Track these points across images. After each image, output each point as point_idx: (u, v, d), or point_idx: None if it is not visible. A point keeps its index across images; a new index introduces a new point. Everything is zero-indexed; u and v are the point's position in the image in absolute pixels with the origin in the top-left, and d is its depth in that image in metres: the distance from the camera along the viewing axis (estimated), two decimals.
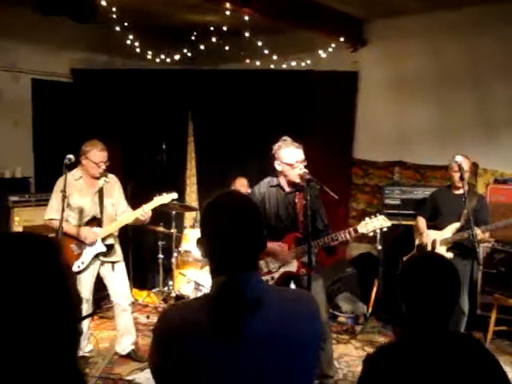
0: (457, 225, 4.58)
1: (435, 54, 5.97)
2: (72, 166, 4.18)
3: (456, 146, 5.30)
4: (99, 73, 6.77)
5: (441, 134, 5.98)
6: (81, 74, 6.75)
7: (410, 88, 6.23)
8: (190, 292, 5.81)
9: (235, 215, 1.49)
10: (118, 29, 5.44)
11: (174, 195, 4.44)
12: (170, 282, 6.17)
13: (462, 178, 4.33)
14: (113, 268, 4.41)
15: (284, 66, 6.62)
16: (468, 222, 4.23)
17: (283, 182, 3.89)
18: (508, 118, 5.58)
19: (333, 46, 6.24)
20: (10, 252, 1.03)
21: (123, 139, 6.68)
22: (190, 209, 6.48)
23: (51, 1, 4.52)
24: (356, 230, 3.69)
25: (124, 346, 4.55)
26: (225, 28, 5.96)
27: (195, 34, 6.44)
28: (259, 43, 5.90)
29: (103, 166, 4.25)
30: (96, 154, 4.20)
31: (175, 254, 6.04)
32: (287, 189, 3.89)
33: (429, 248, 4.71)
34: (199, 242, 1.54)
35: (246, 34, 5.60)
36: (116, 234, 4.46)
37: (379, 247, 5.62)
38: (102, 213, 4.32)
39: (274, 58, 6.31)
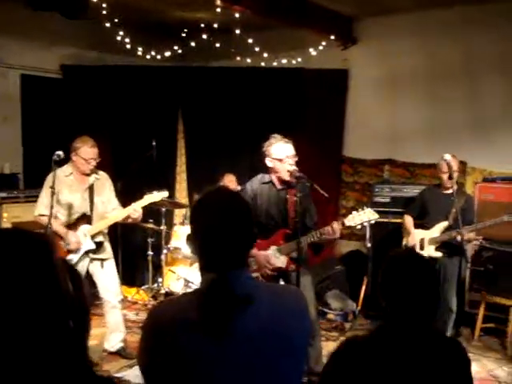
0: (445, 224, 4.61)
1: (426, 53, 6.00)
2: (62, 162, 4.16)
3: (445, 144, 5.35)
4: (89, 69, 6.73)
5: (431, 133, 6.01)
6: (70, 69, 6.70)
7: (401, 86, 6.26)
8: (179, 289, 5.81)
9: (225, 212, 1.49)
10: (108, 25, 5.41)
11: (165, 193, 4.43)
12: (160, 279, 6.16)
13: (450, 178, 4.36)
14: (102, 265, 4.40)
15: (275, 64, 6.62)
16: (456, 221, 4.26)
17: (274, 178, 3.90)
18: (497, 116, 5.62)
19: (323, 44, 6.25)
20: (2, 248, 1.02)
21: (113, 136, 6.65)
22: (180, 206, 6.48)
23: None
24: (343, 223, 3.70)
25: (113, 343, 4.54)
26: (215, 25, 5.93)
27: (186, 30, 6.41)
28: (250, 41, 5.89)
29: (93, 163, 4.23)
30: (86, 151, 4.18)
31: (165, 251, 6.03)
32: (278, 186, 3.90)
33: (417, 247, 4.74)
34: (189, 238, 1.54)
35: (237, 32, 5.59)
36: (106, 231, 4.45)
37: (368, 245, 5.65)
38: (91, 210, 4.30)
39: (265, 55, 6.30)
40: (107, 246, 4.47)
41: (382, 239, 5.56)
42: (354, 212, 3.73)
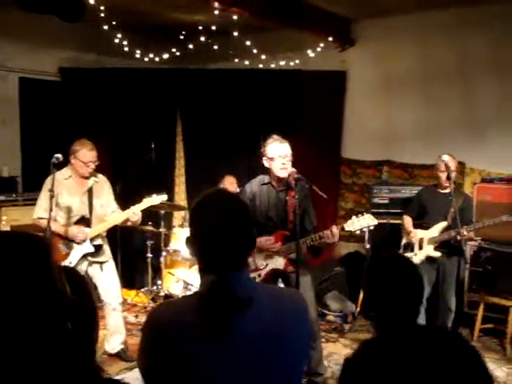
0: (443, 224, 4.62)
1: (423, 54, 6.02)
2: (61, 165, 4.16)
3: (443, 145, 5.35)
4: (87, 71, 6.73)
5: (429, 134, 6.03)
6: (69, 72, 6.70)
7: (398, 87, 6.27)
8: (179, 291, 5.81)
9: (224, 214, 1.49)
10: (106, 27, 5.42)
11: (164, 197, 4.42)
12: (159, 282, 6.15)
13: (448, 178, 4.37)
14: (101, 268, 4.39)
15: (272, 66, 6.63)
16: (454, 221, 4.27)
17: (273, 179, 3.91)
18: (495, 117, 5.64)
19: (321, 45, 6.26)
20: (1, 251, 1.03)
21: (111, 138, 6.65)
22: (179, 208, 6.48)
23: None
24: (343, 229, 3.72)
25: (113, 345, 4.54)
26: (213, 27, 5.95)
27: (184, 33, 6.42)
28: (248, 42, 5.90)
29: (92, 166, 4.23)
30: (85, 154, 4.18)
31: (164, 254, 6.03)
32: (278, 187, 3.91)
33: (416, 247, 4.75)
34: (188, 241, 1.54)
35: (235, 34, 5.60)
36: (104, 234, 4.45)
37: (367, 246, 5.67)
38: (90, 213, 4.30)
39: (263, 57, 6.31)
40: (106, 248, 4.47)
41: (381, 240, 5.57)
42: (353, 217, 3.75)
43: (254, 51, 6.07)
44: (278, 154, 3.77)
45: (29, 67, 6.39)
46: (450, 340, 1.76)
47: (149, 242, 6.04)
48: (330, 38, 6.16)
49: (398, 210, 5.51)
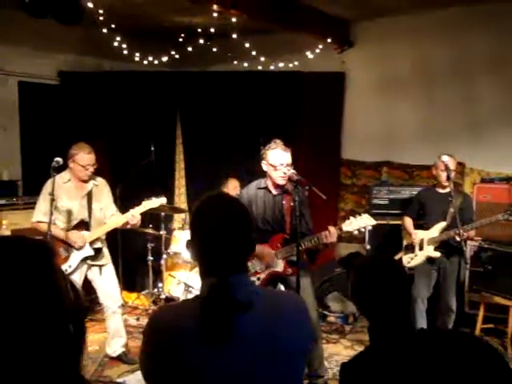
0: (443, 224, 4.62)
1: (422, 55, 6.02)
2: (61, 169, 4.17)
3: (443, 145, 5.35)
4: (87, 75, 6.75)
5: (428, 134, 6.03)
6: (68, 76, 6.71)
7: (397, 88, 6.28)
8: (179, 294, 5.80)
9: (224, 218, 1.50)
10: (105, 31, 5.43)
11: (163, 199, 4.42)
12: (160, 284, 6.15)
13: (448, 178, 4.38)
14: (100, 271, 4.40)
15: (272, 68, 6.64)
16: (454, 221, 4.28)
17: (270, 184, 3.92)
18: (494, 118, 5.64)
19: (320, 47, 6.27)
20: (3, 255, 1.03)
21: (111, 141, 6.66)
22: (179, 211, 6.48)
23: (36, 2, 4.50)
24: (341, 229, 3.73)
25: (114, 348, 4.54)
26: (212, 30, 5.96)
27: (183, 35, 6.43)
28: (247, 45, 5.91)
29: (91, 169, 4.23)
30: (83, 157, 4.18)
31: (164, 256, 6.03)
32: (274, 191, 3.92)
33: (416, 248, 4.76)
34: (189, 244, 1.55)
35: (234, 36, 5.61)
36: (104, 237, 4.45)
37: (368, 247, 5.68)
38: (90, 216, 4.30)
39: (262, 59, 6.32)
40: (106, 251, 4.47)
41: (381, 241, 5.57)
42: (351, 217, 3.77)
43: (253, 53, 6.07)
44: (280, 163, 3.76)
45: (28, 71, 6.40)
46: (455, 341, 1.76)
47: (149, 245, 6.05)
48: (329, 40, 6.17)
49: (398, 211, 5.52)
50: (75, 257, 4.23)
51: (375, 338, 1.85)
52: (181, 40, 6.48)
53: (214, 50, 6.40)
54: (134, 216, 4.26)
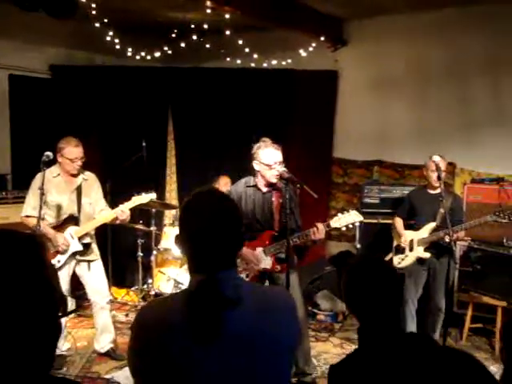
0: (432, 225, 4.64)
1: (416, 55, 6.04)
2: (51, 163, 4.14)
3: (435, 145, 5.37)
4: (79, 69, 6.71)
5: (420, 134, 6.05)
6: (60, 70, 6.67)
7: (391, 88, 6.29)
8: (169, 290, 5.80)
9: (213, 213, 1.49)
10: (97, 25, 5.39)
11: (153, 195, 4.41)
12: (150, 280, 6.14)
13: (439, 178, 4.39)
14: (89, 267, 4.38)
15: (265, 65, 6.63)
16: (444, 222, 4.29)
17: (260, 182, 3.92)
18: (487, 119, 5.66)
19: (313, 45, 6.27)
20: None
21: (102, 136, 6.64)
22: (170, 207, 6.47)
23: None
24: (329, 225, 3.74)
25: (103, 344, 4.53)
26: (205, 26, 5.94)
27: (176, 31, 6.40)
28: (240, 42, 5.89)
29: (79, 162, 4.20)
30: (70, 151, 4.15)
31: (154, 252, 6.02)
32: (264, 189, 3.92)
33: (407, 249, 4.77)
34: (178, 239, 1.54)
35: (227, 33, 5.59)
36: (93, 232, 4.43)
37: (358, 245, 5.69)
38: (79, 211, 4.28)
39: (255, 56, 6.31)
40: (94, 247, 4.45)
41: (372, 240, 5.59)
42: (339, 214, 3.79)
43: (246, 50, 6.06)
44: (274, 161, 3.77)
45: (19, 64, 6.35)
46: (433, 346, 1.77)
47: (139, 241, 6.03)
48: (322, 38, 6.17)
49: (389, 210, 5.53)
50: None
51: (364, 340, 1.85)
52: (174, 36, 6.45)
53: (207, 46, 6.38)
54: (123, 211, 4.24)
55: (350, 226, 3.80)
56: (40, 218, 3.88)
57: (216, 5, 5.10)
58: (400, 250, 4.84)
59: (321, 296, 5.83)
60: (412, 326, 4.68)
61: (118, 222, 4.35)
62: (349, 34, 6.52)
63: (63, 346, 4.38)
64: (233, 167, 6.10)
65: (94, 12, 5.11)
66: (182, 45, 6.35)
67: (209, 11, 5.29)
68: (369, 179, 6.38)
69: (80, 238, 4.25)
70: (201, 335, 1.38)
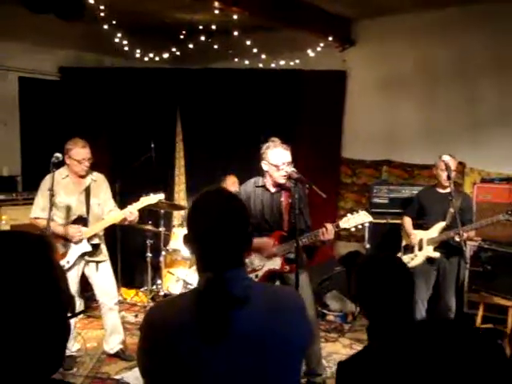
0: (442, 224, 4.61)
1: (424, 54, 6.01)
2: (60, 165, 4.16)
3: (444, 145, 5.35)
4: (87, 71, 6.74)
5: (429, 134, 6.02)
6: (69, 72, 6.71)
7: (398, 87, 6.27)
8: (178, 291, 5.80)
9: (221, 213, 1.49)
10: (106, 27, 5.41)
11: (161, 196, 4.42)
12: (159, 281, 6.15)
13: (448, 177, 4.36)
14: (97, 268, 4.39)
15: (273, 65, 6.63)
16: (454, 221, 4.27)
17: (269, 182, 3.91)
18: (495, 117, 5.63)
19: (321, 45, 6.26)
20: (2, 250, 1.03)
21: (111, 138, 6.66)
22: (179, 207, 6.48)
23: None
24: (338, 226, 3.72)
25: (112, 345, 4.53)
26: (213, 27, 5.95)
27: (184, 32, 6.42)
28: (248, 42, 5.90)
29: (86, 163, 4.21)
30: (77, 152, 4.17)
31: (163, 253, 6.03)
32: (272, 189, 3.91)
33: (416, 248, 4.75)
34: (186, 239, 1.54)
35: (235, 33, 5.60)
36: (101, 233, 4.44)
37: (367, 246, 5.67)
38: (88, 212, 4.29)
39: (263, 57, 6.31)
40: (103, 248, 4.46)
41: (381, 240, 5.56)
42: (348, 214, 3.76)
43: (254, 51, 6.07)
44: (282, 162, 3.75)
45: (29, 66, 6.39)
46: (454, 332, 1.74)
47: (148, 242, 6.03)
48: (330, 38, 6.16)
49: (398, 210, 5.50)
50: (73, 253, 4.22)
51: (374, 337, 1.84)
52: (182, 37, 6.46)
53: (215, 47, 6.39)
54: (131, 212, 4.26)
55: (360, 226, 3.78)
56: (50, 220, 3.90)
57: (224, 5, 5.10)
58: (409, 250, 4.82)
59: (330, 296, 5.81)
60: None
61: (126, 222, 4.37)
62: (357, 34, 6.50)
63: (73, 347, 4.40)
64: (241, 168, 6.10)
65: (102, 14, 5.14)
66: (191, 46, 6.36)
67: (217, 12, 5.30)
68: (377, 179, 6.36)
69: (89, 239, 4.26)
70: (209, 335, 1.38)
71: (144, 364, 1.48)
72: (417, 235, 4.78)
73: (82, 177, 4.29)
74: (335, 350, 4.90)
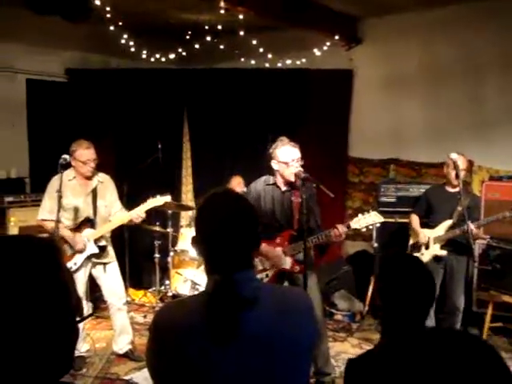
0: (449, 222, 4.60)
1: (430, 52, 5.98)
2: (68, 166, 4.18)
3: (451, 143, 5.32)
4: (94, 72, 6.76)
5: (436, 132, 5.99)
6: (76, 73, 6.74)
7: (405, 85, 6.24)
8: (186, 291, 5.81)
9: (229, 214, 1.49)
10: (112, 28, 5.43)
11: (168, 198, 4.43)
12: (167, 282, 6.16)
13: (457, 176, 4.33)
14: (104, 269, 4.41)
15: (279, 65, 6.62)
16: (461, 220, 4.25)
17: (279, 180, 3.90)
18: (503, 115, 5.59)
19: (328, 44, 6.24)
20: (11, 255, 1.03)
21: (118, 139, 6.69)
22: (186, 208, 6.48)
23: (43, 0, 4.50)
24: (349, 226, 3.71)
25: (121, 346, 4.55)
26: (219, 27, 5.94)
27: (190, 33, 6.42)
28: (254, 42, 5.89)
29: (92, 164, 4.23)
30: (82, 153, 4.18)
31: (171, 254, 6.04)
32: (283, 188, 3.91)
33: (423, 247, 4.73)
34: (194, 241, 1.54)
35: (241, 33, 5.59)
36: (108, 235, 4.45)
37: (375, 245, 5.65)
38: (95, 214, 4.31)
39: (269, 56, 6.30)
40: (110, 249, 4.48)
41: (389, 239, 5.54)
42: (359, 215, 3.75)
43: (261, 50, 6.06)
44: (292, 158, 3.75)
45: (36, 68, 6.42)
46: (462, 341, 1.74)
47: (156, 242, 6.05)
48: (337, 37, 6.14)
49: (406, 209, 5.47)
50: (80, 255, 4.24)
51: (386, 335, 1.84)
52: (188, 37, 6.46)
53: (221, 47, 6.39)
54: (138, 214, 4.27)
55: (370, 227, 3.77)
56: (58, 221, 3.91)
57: (230, 5, 5.10)
58: (416, 248, 4.80)
59: (338, 296, 5.80)
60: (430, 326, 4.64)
61: (133, 223, 4.38)
62: (363, 33, 6.48)
63: (82, 348, 4.42)
64: (248, 168, 6.11)
65: (108, 15, 5.15)
66: (197, 46, 6.36)
67: (222, 12, 5.29)
68: (385, 178, 6.33)
69: (96, 241, 4.28)
70: (218, 336, 1.38)
71: (153, 365, 1.48)
72: (425, 234, 4.76)
73: (89, 178, 4.30)
74: (344, 350, 4.89)
